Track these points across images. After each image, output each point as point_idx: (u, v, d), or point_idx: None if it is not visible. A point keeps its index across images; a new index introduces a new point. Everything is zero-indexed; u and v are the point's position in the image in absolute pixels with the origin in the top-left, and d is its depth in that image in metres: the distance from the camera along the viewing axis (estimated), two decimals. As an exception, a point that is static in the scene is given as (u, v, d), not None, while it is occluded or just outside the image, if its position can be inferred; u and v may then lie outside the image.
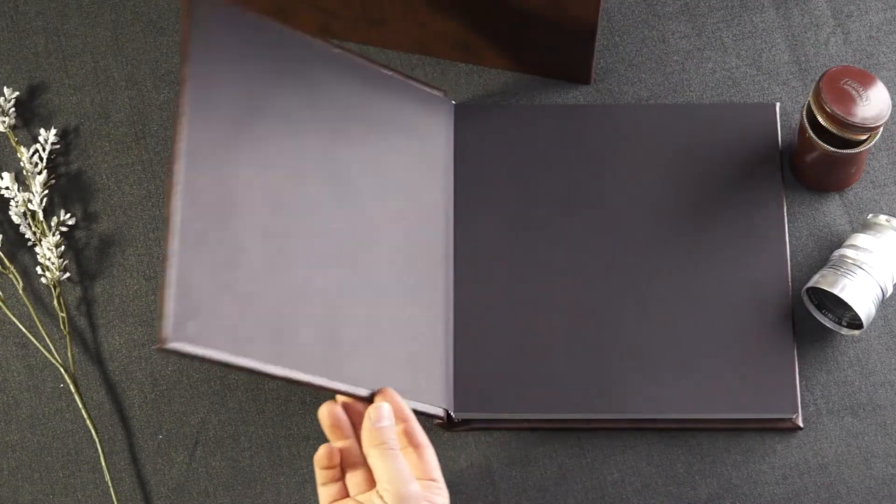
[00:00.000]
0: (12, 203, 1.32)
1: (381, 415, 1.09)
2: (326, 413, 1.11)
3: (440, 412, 1.22)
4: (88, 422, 1.26)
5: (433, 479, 1.10)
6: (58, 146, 1.35)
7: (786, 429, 1.25)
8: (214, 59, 1.11)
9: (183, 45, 1.10)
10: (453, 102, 1.33)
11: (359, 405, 1.11)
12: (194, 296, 1.03)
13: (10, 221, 1.33)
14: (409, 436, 1.11)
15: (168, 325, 1.02)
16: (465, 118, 1.32)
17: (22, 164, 1.33)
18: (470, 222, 1.29)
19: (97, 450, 1.26)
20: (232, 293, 1.06)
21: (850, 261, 1.23)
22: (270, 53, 1.15)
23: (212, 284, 1.05)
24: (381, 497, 1.07)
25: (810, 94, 1.24)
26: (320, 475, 1.12)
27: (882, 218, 1.25)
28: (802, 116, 1.26)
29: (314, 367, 1.09)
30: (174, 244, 1.04)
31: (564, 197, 1.29)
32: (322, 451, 1.11)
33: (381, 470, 1.07)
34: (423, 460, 1.10)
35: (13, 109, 1.35)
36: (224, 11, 1.13)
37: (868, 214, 1.28)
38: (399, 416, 1.11)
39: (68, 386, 1.28)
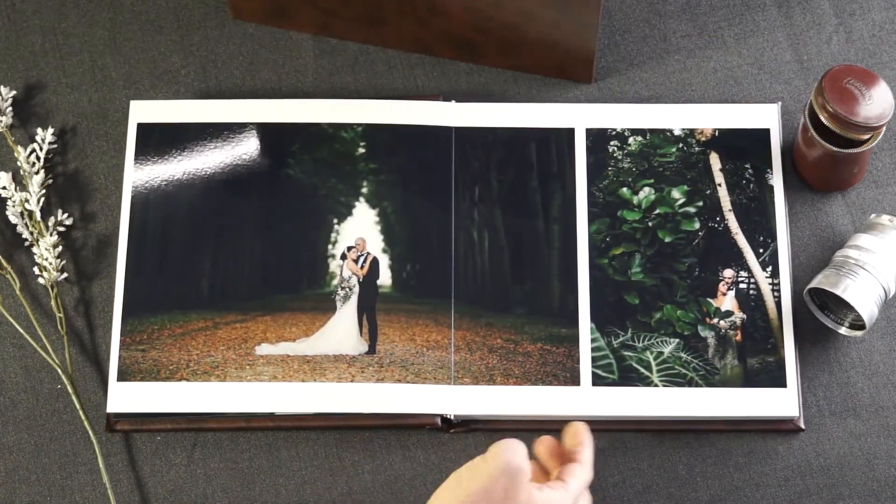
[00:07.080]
0: (9, 203, 1.31)
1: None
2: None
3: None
4: (86, 423, 1.25)
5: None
6: (55, 146, 1.35)
7: (788, 430, 1.24)
8: None
9: None
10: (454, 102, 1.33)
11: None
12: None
13: (7, 221, 1.33)
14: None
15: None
16: None
17: (19, 163, 1.32)
18: None
19: (95, 451, 1.26)
20: None
21: (852, 261, 1.23)
22: None
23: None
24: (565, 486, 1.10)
25: (812, 93, 1.24)
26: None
27: (885, 218, 1.24)
28: (805, 116, 1.26)
29: None
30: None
31: None
32: (547, 439, 1.15)
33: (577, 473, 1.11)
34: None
35: (10, 108, 1.35)
36: None
37: (871, 214, 1.28)
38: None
39: (66, 387, 1.27)
